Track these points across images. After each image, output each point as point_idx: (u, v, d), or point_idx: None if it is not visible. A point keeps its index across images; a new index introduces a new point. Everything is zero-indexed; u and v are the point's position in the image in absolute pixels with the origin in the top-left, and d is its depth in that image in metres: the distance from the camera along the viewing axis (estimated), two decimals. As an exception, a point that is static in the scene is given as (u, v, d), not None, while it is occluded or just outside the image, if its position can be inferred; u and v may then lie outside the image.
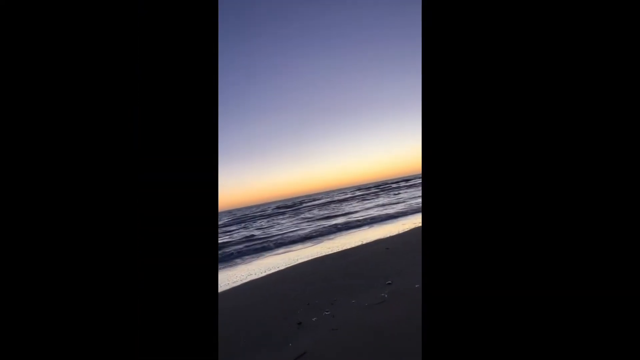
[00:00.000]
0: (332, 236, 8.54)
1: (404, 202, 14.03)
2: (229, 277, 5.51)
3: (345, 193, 39.68)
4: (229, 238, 12.58)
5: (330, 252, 5.97)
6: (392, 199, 16.84)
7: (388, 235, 6.59)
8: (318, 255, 5.93)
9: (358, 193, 32.52)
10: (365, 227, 9.00)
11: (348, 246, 6.29)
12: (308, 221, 13.77)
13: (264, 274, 5.27)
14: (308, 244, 8.11)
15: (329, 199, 31.56)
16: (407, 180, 42.33)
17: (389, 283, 3.32)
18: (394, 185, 33.88)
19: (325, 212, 16.82)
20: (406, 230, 6.90)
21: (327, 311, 2.91)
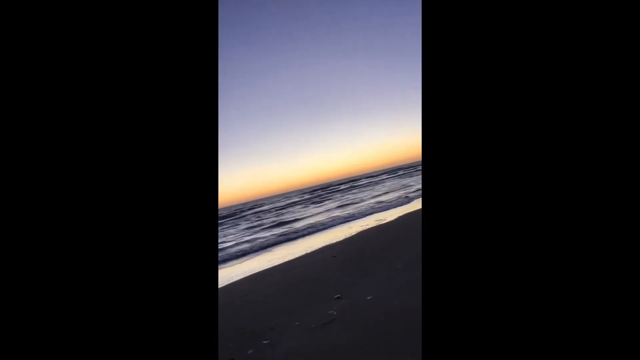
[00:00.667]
0: (273, 248, 8.07)
1: (352, 204, 14.14)
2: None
3: (290, 198, 39.24)
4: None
5: (270, 266, 5.54)
6: (340, 202, 16.94)
7: (335, 241, 6.38)
8: (256, 271, 5.45)
9: (305, 197, 32.36)
10: (311, 234, 8.70)
11: (291, 257, 5.91)
12: (245, 232, 13.06)
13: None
14: (245, 258, 7.53)
15: (271, 206, 30.81)
16: (354, 181, 43.47)
17: (338, 297, 3.02)
18: (342, 187, 34.40)
19: (266, 220, 16.21)
20: (353, 234, 6.77)
21: (266, 339, 2.50)
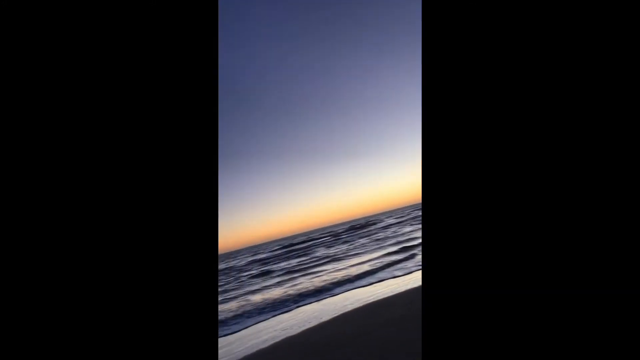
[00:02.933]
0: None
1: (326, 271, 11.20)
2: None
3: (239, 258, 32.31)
4: None
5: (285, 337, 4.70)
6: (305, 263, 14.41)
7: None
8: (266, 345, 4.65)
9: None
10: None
11: (316, 320, 4.84)
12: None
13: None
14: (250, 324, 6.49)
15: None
16: (335, 234, 35.85)
17: None
18: (318, 241, 30.88)
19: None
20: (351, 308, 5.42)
21: None
